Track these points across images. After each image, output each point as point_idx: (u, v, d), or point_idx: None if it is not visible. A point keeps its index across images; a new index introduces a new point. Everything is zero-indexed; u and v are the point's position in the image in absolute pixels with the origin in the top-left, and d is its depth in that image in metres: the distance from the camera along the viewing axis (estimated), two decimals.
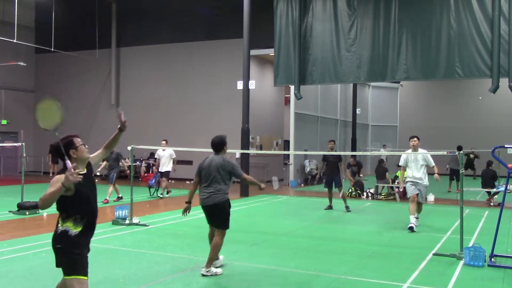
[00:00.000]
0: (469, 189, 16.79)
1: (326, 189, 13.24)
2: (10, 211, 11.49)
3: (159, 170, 15.09)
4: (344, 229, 10.25)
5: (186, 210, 6.41)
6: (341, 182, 12.92)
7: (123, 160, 14.15)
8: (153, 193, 15.44)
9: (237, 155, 20.23)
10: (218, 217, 6.23)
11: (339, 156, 13.28)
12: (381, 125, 30.45)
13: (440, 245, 8.38)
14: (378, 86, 29.24)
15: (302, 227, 10.37)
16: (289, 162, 20.93)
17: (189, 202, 6.36)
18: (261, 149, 22.00)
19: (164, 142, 14.80)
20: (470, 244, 7.71)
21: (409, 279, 6.25)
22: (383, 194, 16.19)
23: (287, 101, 24.78)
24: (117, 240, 8.50)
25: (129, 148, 10.18)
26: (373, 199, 16.00)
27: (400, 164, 10.29)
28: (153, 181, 15.41)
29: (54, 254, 3.79)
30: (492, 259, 6.95)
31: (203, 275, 6.18)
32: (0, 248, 7.69)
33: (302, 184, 21.06)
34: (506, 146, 7.81)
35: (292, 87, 18.69)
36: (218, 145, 6.35)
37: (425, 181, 9.84)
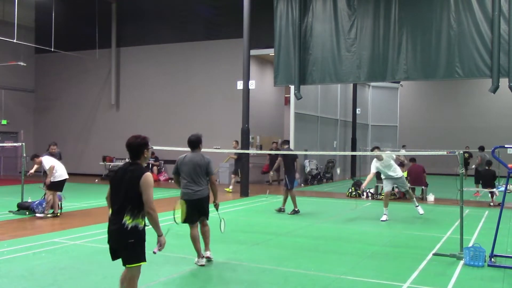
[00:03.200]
0: (469, 189, 16.80)
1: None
2: (10, 211, 11.49)
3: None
4: (344, 229, 10.24)
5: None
6: (293, 181, 12.07)
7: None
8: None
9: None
10: (205, 209, 6.84)
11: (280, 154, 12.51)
12: (381, 125, 30.45)
13: (440, 245, 8.38)
14: (378, 86, 29.21)
15: (302, 227, 10.37)
16: None
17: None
18: (261, 149, 21.99)
19: (36, 159, 11.35)
20: (470, 244, 7.71)
21: (409, 279, 6.25)
22: (383, 194, 16.17)
23: (287, 101, 24.77)
24: None
25: None
26: (373, 199, 15.99)
27: (372, 171, 11.39)
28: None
29: (118, 247, 4.26)
30: (492, 259, 6.95)
31: (208, 258, 6.94)
32: (0, 248, 7.69)
33: (302, 184, 21.05)
34: (506, 146, 7.80)
35: (292, 87, 18.68)
36: (195, 142, 6.83)
37: (399, 174, 11.41)
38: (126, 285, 4.41)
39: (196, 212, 6.73)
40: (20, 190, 12.15)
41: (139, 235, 4.24)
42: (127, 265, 4.28)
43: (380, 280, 6.18)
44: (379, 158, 11.21)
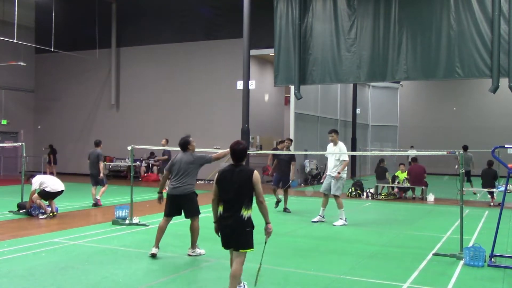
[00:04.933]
0: (469, 189, 16.81)
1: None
2: (10, 211, 11.49)
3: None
4: (344, 229, 10.24)
5: (160, 199, 7.43)
6: (288, 182, 12.51)
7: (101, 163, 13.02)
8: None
9: None
10: (189, 206, 7.21)
11: (293, 155, 12.78)
12: (381, 125, 30.46)
13: (440, 245, 8.37)
14: (378, 86, 29.23)
15: (302, 227, 10.37)
16: None
17: (160, 193, 7.45)
18: (261, 149, 21.99)
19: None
20: (470, 244, 7.71)
21: (409, 279, 6.24)
22: (383, 194, 16.19)
23: (287, 101, 24.78)
24: (117, 240, 8.49)
25: (129, 148, 10.18)
26: (373, 199, 15.99)
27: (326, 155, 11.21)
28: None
29: (234, 236, 4.96)
30: (492, 259, 6.95)
31: (190, 255, 7.20)
32: (0, 248, 7.69)
33: (302, 184, 21.06)
34: (506, 146, 7.80)
35: (292, 87, 18.68)
36: (183, 145, 7.44)
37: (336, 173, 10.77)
38: (236, 267, 5.06)
39: (175, 207, 7.22)
40: (20, 190, 12.14)
41: (252, 224, 5.01)
42: (241, 250, 4.99)
43: (380, 280, 6.18)
44: (335, 143, 11.04)
